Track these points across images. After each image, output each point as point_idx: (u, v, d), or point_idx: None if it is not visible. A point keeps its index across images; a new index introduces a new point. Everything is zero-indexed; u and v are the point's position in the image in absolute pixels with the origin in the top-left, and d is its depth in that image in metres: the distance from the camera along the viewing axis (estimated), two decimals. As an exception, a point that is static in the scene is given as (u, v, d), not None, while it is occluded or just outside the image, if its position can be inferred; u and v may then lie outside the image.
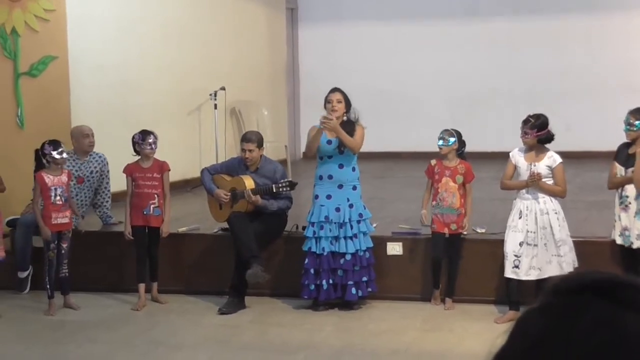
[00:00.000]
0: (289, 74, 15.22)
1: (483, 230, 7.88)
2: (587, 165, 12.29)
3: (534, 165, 6.95)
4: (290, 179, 7.87)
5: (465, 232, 7.61)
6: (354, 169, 7.45)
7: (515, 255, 6.96)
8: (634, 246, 6.73)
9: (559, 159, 7.01)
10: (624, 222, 6.80)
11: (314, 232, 7.28)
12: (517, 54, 14.48)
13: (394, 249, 7.89)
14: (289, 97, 15.16)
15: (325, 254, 7.29)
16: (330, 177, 7.29)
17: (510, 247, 7.01)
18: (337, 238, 7.29)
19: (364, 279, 7.43)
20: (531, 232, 6.96)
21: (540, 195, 6.99)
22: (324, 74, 15.15)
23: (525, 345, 0.91)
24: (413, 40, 14.93)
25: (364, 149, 14.79)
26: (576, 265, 7.02)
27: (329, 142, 7.28)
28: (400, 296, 7.78)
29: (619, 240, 6.88)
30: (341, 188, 7.29)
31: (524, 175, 7.01)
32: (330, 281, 7.36)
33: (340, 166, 7.34)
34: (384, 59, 15.05)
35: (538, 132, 6.95)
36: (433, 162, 7.63)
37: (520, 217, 7.02)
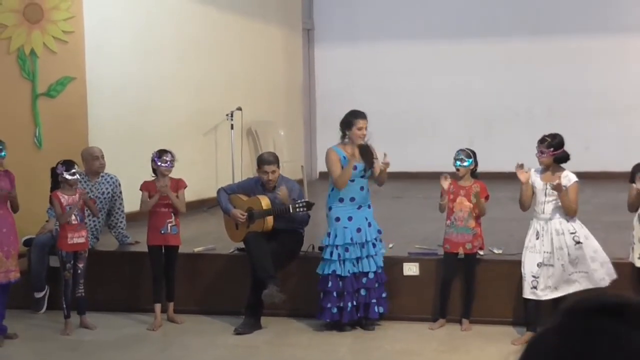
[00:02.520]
0: (305, 94, 15.26)
1: (500, 251, 7.84)
2: (605, 185, 12.22)
3: (550, 185, 6.92)
4: (307, 200, 7.87)
5: (481, 252, 7.58)
6: (368, 190, 7.52)
7: (534, 276, 6.93)
8: None
9: (574, 178, 6.99)
10: None
11: (339, 255, 7.22)
12: (536, 73, 14.47)
13: (411, 269, 7.86)
14: (305, 117, 15.19)
15: (349, 275, 7.26)
16: (352, 199, 7.25)
17: (528, 267, 6.98)
18: (359, 259, 7.28)
19: (383, 295, 7.47)
20: (547, 252, 6.93)
21: (557, 215, 6.96)
22: (340, 94, 15.20)
23: (525, 353, 0.94)
24: (430, 60, 14.95)
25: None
26: (606, 282, 6.94)
27: (355, 167, 7.22)
28: (416, 317, 7.74)
29: (638, 263, 6.80)
30: (360, 209, 7.29)
31: (540, 195, 6.99)
32: (354, 302, 7.34)
33: (362, 188, 7.35)
34: (400, 79, 15.06)
35: (554, 151, 6.94)
36: (442, 181, 7.61)
37: (537, 238, 6.99)
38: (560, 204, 6.93)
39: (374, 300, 7.37)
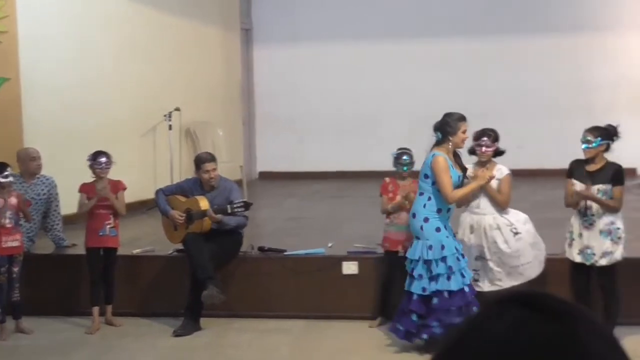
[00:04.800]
0: (245, 94, 15.22)
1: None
2: (540, 182, 12.43)
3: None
4: (245, 200, 7.86)
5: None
6: None
7: (475, 270, 7.01)
8: (599, 264, 6.78)
9: (506, 170, 7.12)
10: (586, 241, 6.82)
11: (450, 268, 6.45)
12: (473, 73, 14.66)
13: (350, 268, 7.91)
14: (244, 117, 15.15)
15: (462, 288, 6.53)
16: (449, 210, 6.62)
17: (469, 262, 7.04)
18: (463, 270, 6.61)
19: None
20: (482, 246, 7.04)
21: (492, 210, 7.06)
22: (281, 95, 15.24)
23: (449, 345, 0.98)
24: (370, 60, 15.03)
25: (322, 168, 14.96)
26: (534, 275, 7.07)
27: (459, 177, 6.62)
28: (356, 315, 7.78)
29: (578, 259, 6.88)
30: (449, 220, 6.69)
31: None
32: None
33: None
34: (341, 79, 15.13)
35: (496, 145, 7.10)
36: (387, 179, 7.68)
37: (472, 232, 7.09)
38: (492, 198, 7.05)
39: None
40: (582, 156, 6.87)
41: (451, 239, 6.53)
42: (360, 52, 15.07)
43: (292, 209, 11.67)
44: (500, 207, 7.11)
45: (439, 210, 6.54)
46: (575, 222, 6.92)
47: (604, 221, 6.72)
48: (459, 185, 6.58)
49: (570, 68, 14.49)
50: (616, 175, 6.74)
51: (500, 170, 7.12)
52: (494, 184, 7.03)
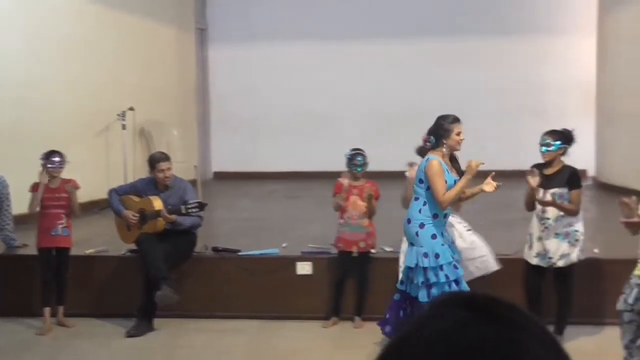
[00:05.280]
0: (199, 94, 15.16)
1: (392, 249, 7.96)
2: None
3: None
4: (199, 200, 7.83)
5: (374, 251, 7.69)
6: None
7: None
8: (556, 265, 6.85)
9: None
10: (545, 244, 6.89)
11: (447, 276, 6.21)
12: (432, 74, 14.77)
13: (304, 268, 7.92)
14: (199, 117, 15.09)
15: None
16: (445, 215, 6.40)
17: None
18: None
19: None
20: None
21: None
22: (236, 95, 15.21)
23: (393, 343, 0.99)
24: (325, 61, 15.07)
25: (276, 168, 14.95)
26: (495, 267, 7.13)
27: (455, 182, 6.35)
28: (310, 316, 7.79)
29: (534, 261, 6.95)
30: (445, 225, 6.47)
31: None
32: None
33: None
34: (296, 79, 15.14)
35: None
36: (341, 180, 7.70)
37: None
38: None
39: None
40: (538, 159, 6.95)
41: (447, 247, 6.27)
42: (316, 52, 15.10)
43: (247, 209, 11.65)
44: (455, 209, 7.16)
45: (435, 216, 6.29)
46: (534, 225, 6.99)
47: (561, 224, 6.79)
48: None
49: (524, 70, 14.66)
50: (572, 178, 6.82)
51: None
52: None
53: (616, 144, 13.00)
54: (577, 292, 7.00)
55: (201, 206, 7.61)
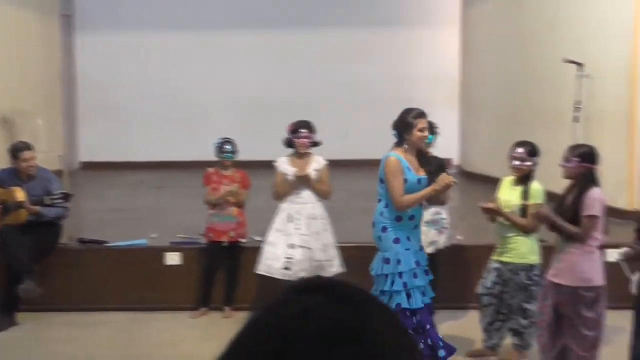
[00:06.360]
0: (66, 82, 14.77)
1: (261, 239, 7.98)
2: (363, 173, 12.73)
3: (314, 171, 7.13)
4: (64, 191, 7.65)
5: (244, 240, 7.71)
6: None
7: (288, 258, 7.09)
8: (426, 252, 7.02)
9: (323, 161, 7.24)
10: None
11: (405, 284, 5.78)
12: (298, 64, 14.85)
13: (173, 258, 7.87)
14: (66, 105, 14.71)
15: (423, 307, 5.86)
16: (411, 217, 5.87)
17: (282, 250, 7.12)
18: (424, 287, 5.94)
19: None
20: (304, 235, 7.11)
21: (312, 200, 7.17)
22: (104, 83, 14.90)
23: (244, 327, 1.03)
24: (195, 50, 14.94)
25: (146, 158, 14.74)
26: (343, 269, 7.25)
27: (419, 180, 5.85)
28: (179, 306, 7.75)
29: (429, 250, 7.14)
30: (416, 228, 5.96)
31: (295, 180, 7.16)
32: (429, 341, 5.89)
33: (420, 204, 5.99)
34: (165, 67, 14.95)
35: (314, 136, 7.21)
36: (211, 170, 7.69)
37: (290, 221, 7.15)
38: (313, 189, 7.17)
39: (440, 336, 6.04)
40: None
41: (411, 253, 5.80)
42: (185, 41, 14.95)
43: (115, 200, 11.45)
44: (324, 197, 7.25)
45: (398, 218, 5.82)
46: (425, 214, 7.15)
47: (429, 212, 6.98)
48: (421, 189, 5.82)
49: (392, 61, 14.94)
50: (440, 169, 7.03)
51: (319, 161, 7.25)
52: (313, 174, 7.14)
53: (478, 133, 13.44)
54: (443, 278, 7.22)
55: (66, 197, 7.44)
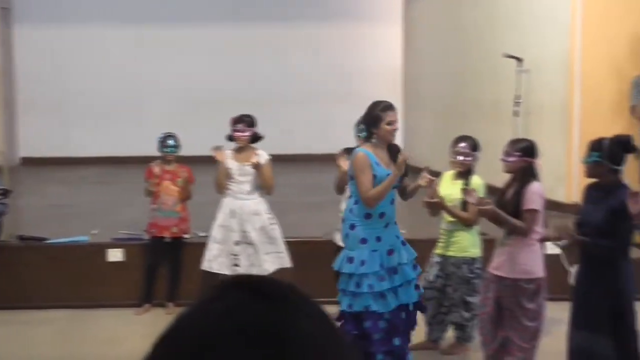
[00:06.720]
0: (4, 76, 14.50)
1: (205, 234, 7.95)
2: (308, 167, 12.78)
3: (247, 165, 7.12)
4: (3, 187, 7.52)
5: (187, 236, 7.67)
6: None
7: (234, 255, 7.09)
8: None
9: (266, 156, 7.24)
10: None
11: (370, 286, 5.54)
12: (240, 59, 14.80)
13: (115, 255, 7.79)
14: (4, 100, 14.45)
15: (395, 310, 5.62)
16: (382, 215, 5.61)
17: (226, 246, 7.11)
18: (395, 288, 5.64)
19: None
20: (245, 231, 7.11)
21: (253, 195, 7.16)
22: (44, 77, 14.68)
23: (172, 324, 1.02)
24: (137, 44, 14.79)
25: (88, 153, 14.56)
26: (289, 264, 7.27)
27: (389, 175, 5.58)
28: (122, 303, 7.69)
29: (342, 243, 7.15)
30: (387, 227, 5.66)
31: (236, 175, 7.14)
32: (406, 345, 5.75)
33: (392, 201, 5.71)
34: (107, 61, 14.78)
35: (253, 130, 7.18)
36: (153, 165, 7.64)
37: (233, 217, 7.14)
38: (256, 183, 7.15)
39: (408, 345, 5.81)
40: (347, 143, 7.15)
41: (378, 255, 5.56)
42: (126, 34, 14.79)
43: (56, 196, 11.30)
44: (267, 192, 7.24)
45: (367, 216, 5.60)
46: (343, 208, 7.17)
47: None
48: (397, 186, 5.67)
49: (335, 56, 14.97)
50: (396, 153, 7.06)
51: (261, 155, 7.24)
52: (261, 160, 7.13)
53: (421, 127, 13.55)
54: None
55: (6, 193, 7.33)
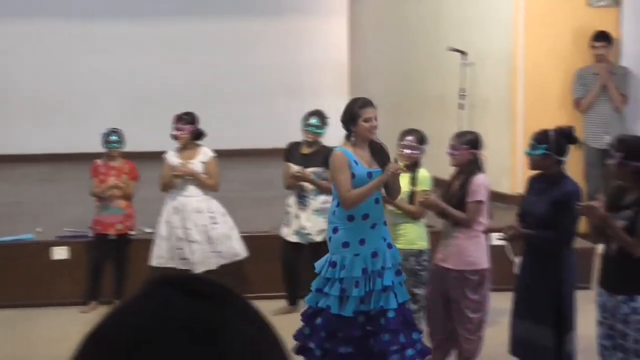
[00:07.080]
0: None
1: (151, 230, 7.90)
2: (255, 162, 12.75)
3: (191, 163, 7.12)
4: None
5: (133, 232, 7.62)
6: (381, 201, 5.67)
7: (178, 249, 7.10)
8: (314, 241, 7.07)
9: (211, 153, 7.24)
10: (302, 221, 7.11)
11: (343, 290, 5.39)
12: (190, 54, 14.66)
13: (60, 253, 7.71)
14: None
15: (353, 316, 5.41)
16: (365, 216, 5.43)
17: (171, 242, 7.12)
18: (371, 292, 5.42)
19: (415, 336, 5.68)
20: (188, 229, 7.11)
21: (197, 193, 7.16)
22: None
23: (101, 321, 1.01)
24: (82, 39, 14.56)
25: (29, 150, 14.34)
26: (241, 257, 7.27)
27: (370, 174, 5.42)
28: (68, 301, 7.60)
29: (293, 239, 7.18)
30: (374, 227, 5.47)
31: (179, 173, 7.14)
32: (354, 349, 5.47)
33: (376, 201, 5.52)
34: (48, 57, 14.54)
35: (192, 128, 7.18)
36: (98, 161, 7.59)
37: (177, 214, 7.14)
38: (198, 183, 7.16)
39: (394, 348, 5.49)
40: (293, 137, 7.19)
41: (360, 259, 5.37)
42: (70, 29, 14.57)
43: (-1, 194, 11.11)
44: (211, 190, 7.24)
45: (350, 218, 5.42)
46: (292, 203, 7.19)
47: (318, 201, 7.04)
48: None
49: (282, 50, 14.93)
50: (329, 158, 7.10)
51: (205, 153, 7.23)
52: (199, 167, 7.14)
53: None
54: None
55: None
